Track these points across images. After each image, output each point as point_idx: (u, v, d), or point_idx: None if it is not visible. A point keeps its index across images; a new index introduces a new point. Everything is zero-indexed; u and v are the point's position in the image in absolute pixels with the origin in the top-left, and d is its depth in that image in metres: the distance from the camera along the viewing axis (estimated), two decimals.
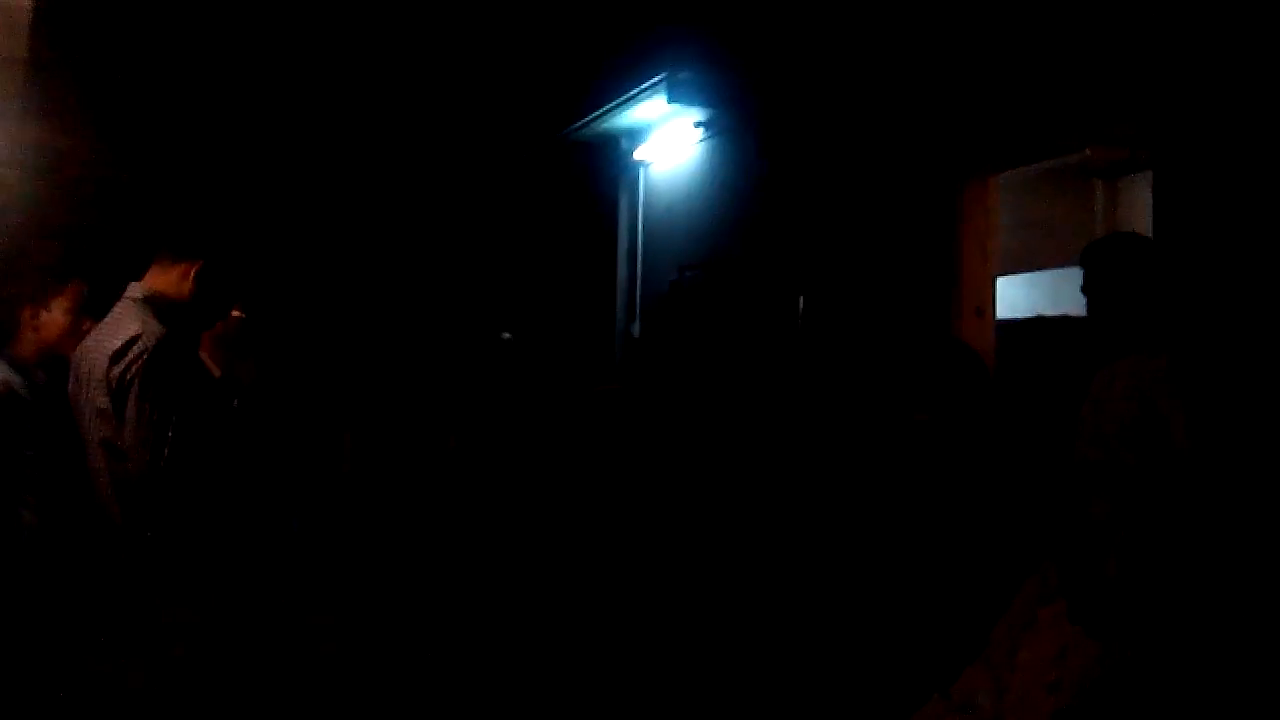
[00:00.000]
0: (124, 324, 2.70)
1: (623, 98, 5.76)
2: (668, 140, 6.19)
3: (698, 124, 5.86)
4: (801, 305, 5.12)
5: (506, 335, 6.48)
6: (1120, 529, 1.97)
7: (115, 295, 2.84)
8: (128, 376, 2.59)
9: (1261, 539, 2.42)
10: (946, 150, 4.34)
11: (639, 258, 6.56)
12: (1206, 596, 1.93)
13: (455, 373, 6.34)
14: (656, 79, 5.55)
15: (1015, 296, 7.21)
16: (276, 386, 4.04)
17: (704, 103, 5.66)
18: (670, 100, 5.59)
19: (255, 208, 5.73)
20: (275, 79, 6.33)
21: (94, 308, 3.34)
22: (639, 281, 6.54)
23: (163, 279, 2.82)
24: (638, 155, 6.50)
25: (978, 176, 4.38)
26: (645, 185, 6.61)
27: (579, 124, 6.30)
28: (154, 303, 2.76)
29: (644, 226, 6.58)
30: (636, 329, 6.49)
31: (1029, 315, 5.19)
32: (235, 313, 3.54)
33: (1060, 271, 6.67)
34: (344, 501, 5.52)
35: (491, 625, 4.38)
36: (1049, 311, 4.93)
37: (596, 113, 6.05)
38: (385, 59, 6.71)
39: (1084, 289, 3.19)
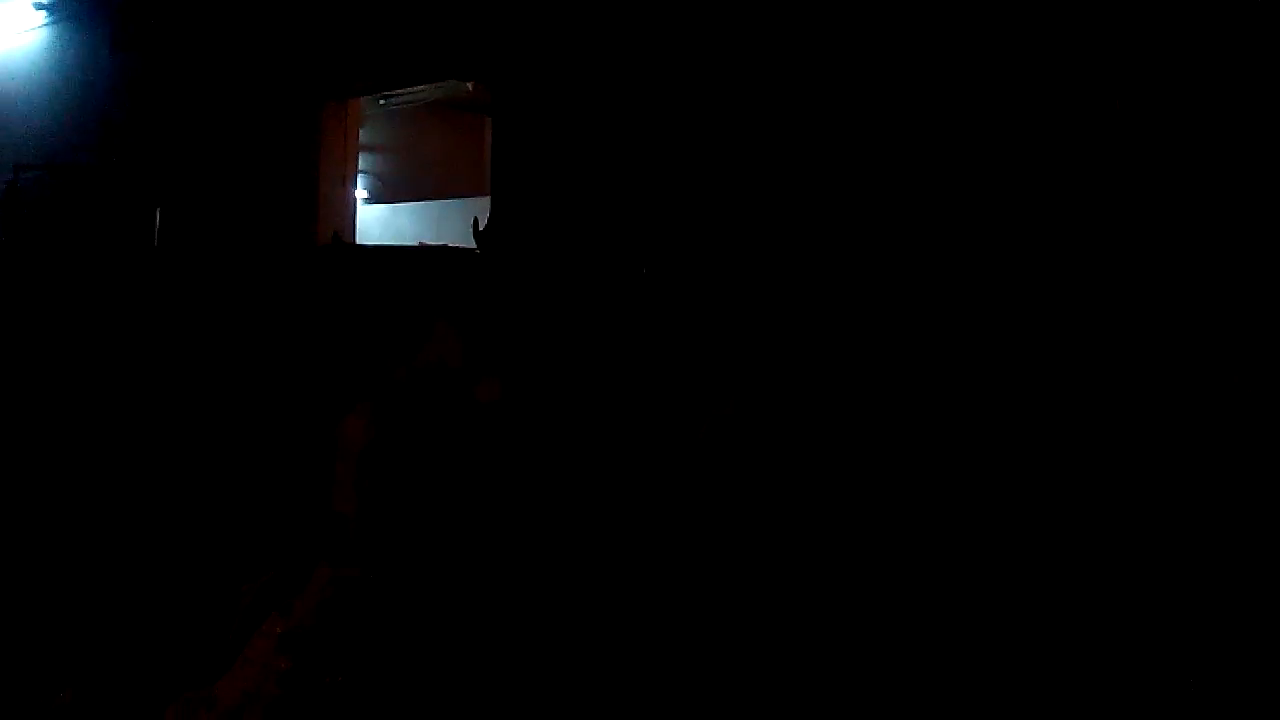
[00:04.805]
0: None
1: None
2: (6, 21, 5.37)
3: (39, 6, 5.16)
4: (159, 219, 4.78)
5: None
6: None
7: None
8: None
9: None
10: (309, 69, 4.25)
11: None
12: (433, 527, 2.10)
13: None
14: None
15: (403, 225, 7.38)
16: None
17: None
18: None
19: None
20: None
21: None
22: None
23: None
24: None
25: (336, 98, 4.35)
26: None
27: None
28: None
29: None
30: None
31: (412, 244, 5.32)
32: None
33: (450, 202, 6.95)
34: None
35: None
36: (430, 240, 5.07)
37: None
38: None
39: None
